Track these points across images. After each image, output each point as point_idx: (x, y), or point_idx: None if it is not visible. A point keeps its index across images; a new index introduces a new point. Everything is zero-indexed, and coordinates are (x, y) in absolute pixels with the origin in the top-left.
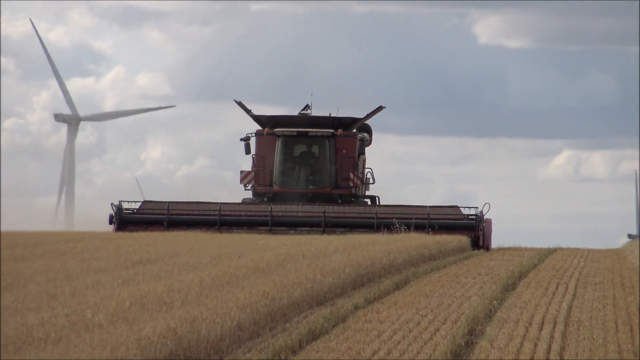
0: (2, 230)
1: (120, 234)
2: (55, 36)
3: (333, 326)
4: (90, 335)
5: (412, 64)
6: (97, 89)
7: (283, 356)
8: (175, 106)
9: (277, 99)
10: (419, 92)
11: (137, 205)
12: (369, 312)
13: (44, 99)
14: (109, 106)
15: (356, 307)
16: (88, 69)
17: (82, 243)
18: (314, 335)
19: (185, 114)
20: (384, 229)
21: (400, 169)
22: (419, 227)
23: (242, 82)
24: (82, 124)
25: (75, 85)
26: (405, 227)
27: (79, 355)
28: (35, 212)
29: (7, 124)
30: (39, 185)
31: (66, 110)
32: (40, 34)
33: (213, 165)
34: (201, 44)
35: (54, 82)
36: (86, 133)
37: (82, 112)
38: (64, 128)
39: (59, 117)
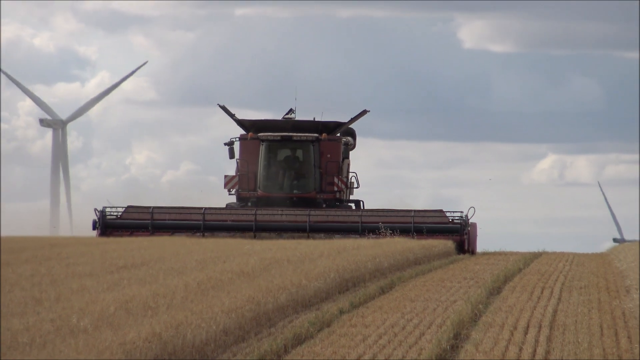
0: None
1: (105, 239)
2: (40, 41)
3: (318, 330)
4: (75, 340)
5: (397, 68)
6: (83, 94)
7: None
8: (147, 62)
9: (262, 103)
10: (404, 97)
11: (120, 211)
12: (354, 317)
13: (29, 105)
14: (93, 111)
15: (341, 312)
16: (73, 74)
17: (68, 248)
18: (299, 340)
19: (171, 119)
20: (369, 233)
21: (385, 174)
22: (404, 232)
23: (227, 87)
24: (69, 128)
25: (60, 90)
26: (391, 232)
27: None
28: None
29: None
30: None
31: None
32: (26, 39)
33: (198, 170)
34: (186, 49)
35: (38, 87)
36: (71, 138)
37: (63, 116)
38: (49, 133)
39: (44, 122)
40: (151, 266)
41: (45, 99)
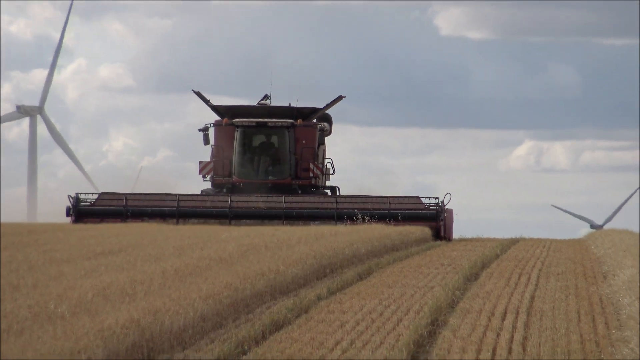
0: None
1: (83, 225)
2: (17, 28)
3: (296, 317)
4: (53, 327)
5: (374, 55)
6: (59, 81)
7: (246, 347)
8: None
9: (239, 90)
10: (381, 84)
11: (94, 197)
12: (332, 303)
13: (5, 91)
14: (70, 98)
15: (319, 298)
16: (49, 61)
17: (45, 235)
18: (277, 326)
19: (148, 106)
20: (347, 219)
21: (362, 160)
22: (381, 218)
23: (203, 74)
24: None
25: (37, 77)
26: (369, 218)
27: (42, 346)
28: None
29: None
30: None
31: (28, 102)
32: (2, 26)
33: (175, 157)
34: (162, 35)
35: (16, 74)
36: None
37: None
38: (25, 120)
39: (21, 109)
40: (129, 253)
41: (22, 85)
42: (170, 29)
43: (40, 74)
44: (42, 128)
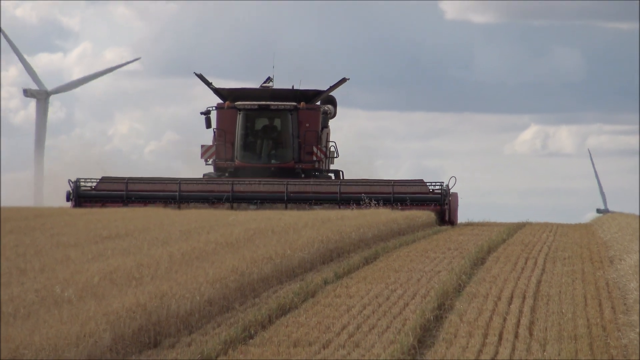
0: None
1: (89, 209)
2: (22, 12)
3: (302, 301)
4: (59, 311)
5: (378, 39)
6: (65, 65)
7: (253, 331)
8: (140, 58)
9: (244, 74)
10: (386, 68)
11: (95, 182)
12: (339, 287)
13: (12, 75)
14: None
15: (325, 282)
16: (55, 44)
17: (52, 219)
18: (283, 310)
19: (153, 90)
20: (352, 203)
21: (368, 144)
22: (387, 202)
23: (210, 57)
24: (51, 98)
25: (42, 61)
26: (375, 202)
27: (48, 330)
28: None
29: None
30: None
31: (34, 86)
32: (7, 10)
33: (181, 141)
34: (168, 19)
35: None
36: (54, 109)
37: (48, 87)
38: (32, 103)
39: (27, 92)
40: (135, 237)
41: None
42: (175, 12)
43: (46, 58)
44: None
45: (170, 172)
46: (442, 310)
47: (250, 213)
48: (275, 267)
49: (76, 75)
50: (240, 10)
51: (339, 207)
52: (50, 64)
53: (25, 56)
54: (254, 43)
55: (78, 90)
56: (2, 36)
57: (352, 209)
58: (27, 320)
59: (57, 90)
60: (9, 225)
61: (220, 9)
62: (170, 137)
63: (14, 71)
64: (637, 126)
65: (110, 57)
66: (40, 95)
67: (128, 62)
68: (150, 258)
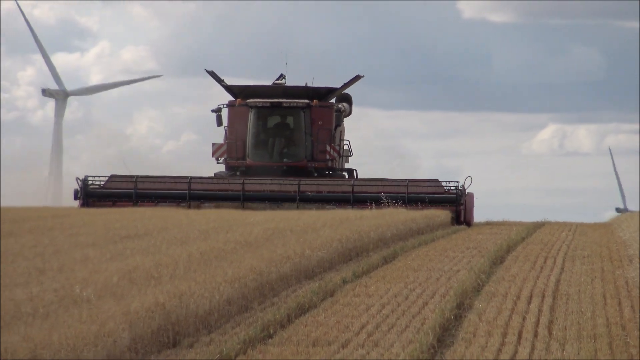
0: None
1: (108, 209)
2: (40, 12)
3: (321, 300)
4: (78, 310)
5: (396, 38)
6: (83, 64)
7: (272, 330)
8: (162, 75)
9: (259, 72)
10: (404, 67)
11: (103, 180)
12: (357, 286)
13: (30, 74)
14: (94, 81)
15: (344, 282)
16: (73, 44)
17: (70, 218)
18: (302, 310)
19: (171, 89)
20: (371, 203)
21: (386, 144)
22: (407, 202)
23: (226, 56)
24: (69, 99)
25: (60, 60)
26: (394, 202)
27: (67, 330)
28: (23, 187)
29: None
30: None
31: (53, 86)
32: (25, 10)
33: (199, 141)
34: (185, 18)
35: (39, 58)
36: (72, 109)
37: (68, 87)
38: (50, 103)
39: (46, 92)
40: (154, 236)
41: (45, 68)
42: (193, 11)
43: (64, 58)
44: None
45: (187, 172)
46: (461, 309)
47: (269, 213)
48: (294, 266)
49: (94, 74)
50: (256, 8)
51: (352, 207)
52: (68, 64)
53: (39, 56)
54: (269, 41)
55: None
56: (32, 34)
57: (371, 208)
58: (45, 320)
59: (76, 93)
60: (28, 224)
61: (237, 7)
62: (188, 137)
63: (31, 71)
64: None
65: (128, 56)
66: (59, 95)
67: (149, 77)
68: (169, 257)
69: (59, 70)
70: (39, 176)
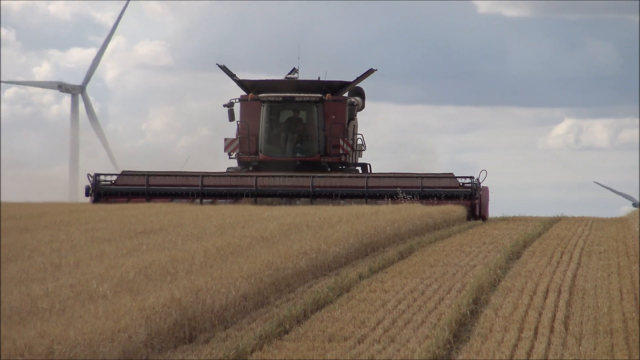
0: (5, 201)
1: (124, 205)
2: (55, 8)
3: (337, 296)
4: (94, 306)
5: (411, 33)
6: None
7: (288, 326)
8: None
9: (273, 67)
10: (419, 62)
11: (115, 177)
12: (374, 282)
13: (45, 70)
14: (109, 77)
15: (360, 277)
16: (89, 40)
17: (87, 214)
18: (318, 305)
19: (185, 84)
20: (388, 198)
21: (402, 139)
22: (422, 197)
23: (240, 51)
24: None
25: (75, 56)
26: (410, 197)
27: (83, 325)
28: (38, 183)
29: (7, 94)
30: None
31: (70, 81)
32: (40, 7)
33: (214, 136)
34: (200, 13)
35: (54, 53)
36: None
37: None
38: (66, 98)
39: (62, 88)
40: (170, 232)
41: (61, 64)
42: (207, 7)
43: (79, 53)
44: (81, 107)
45: (202, 167)
46: (477, 304)
47: (285, 208)
48: (310, 261)
49: (109, 70)
50: (270, 3)
51: (366, 202)
52: (84, 59)
53: (58, 51)
54: (282, 36)
55: (111, 85)
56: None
57: (387, 203)
58: (62, 316)
59: (86, 80)
60: (44, 220)
61: (251, 3)
62: (203, 133)
63: (46, 66)
64: None
65: (142, 51)
66: (75, 90)
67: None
68: (185, 253)
69: (73, 65)
70: (56, 172)
